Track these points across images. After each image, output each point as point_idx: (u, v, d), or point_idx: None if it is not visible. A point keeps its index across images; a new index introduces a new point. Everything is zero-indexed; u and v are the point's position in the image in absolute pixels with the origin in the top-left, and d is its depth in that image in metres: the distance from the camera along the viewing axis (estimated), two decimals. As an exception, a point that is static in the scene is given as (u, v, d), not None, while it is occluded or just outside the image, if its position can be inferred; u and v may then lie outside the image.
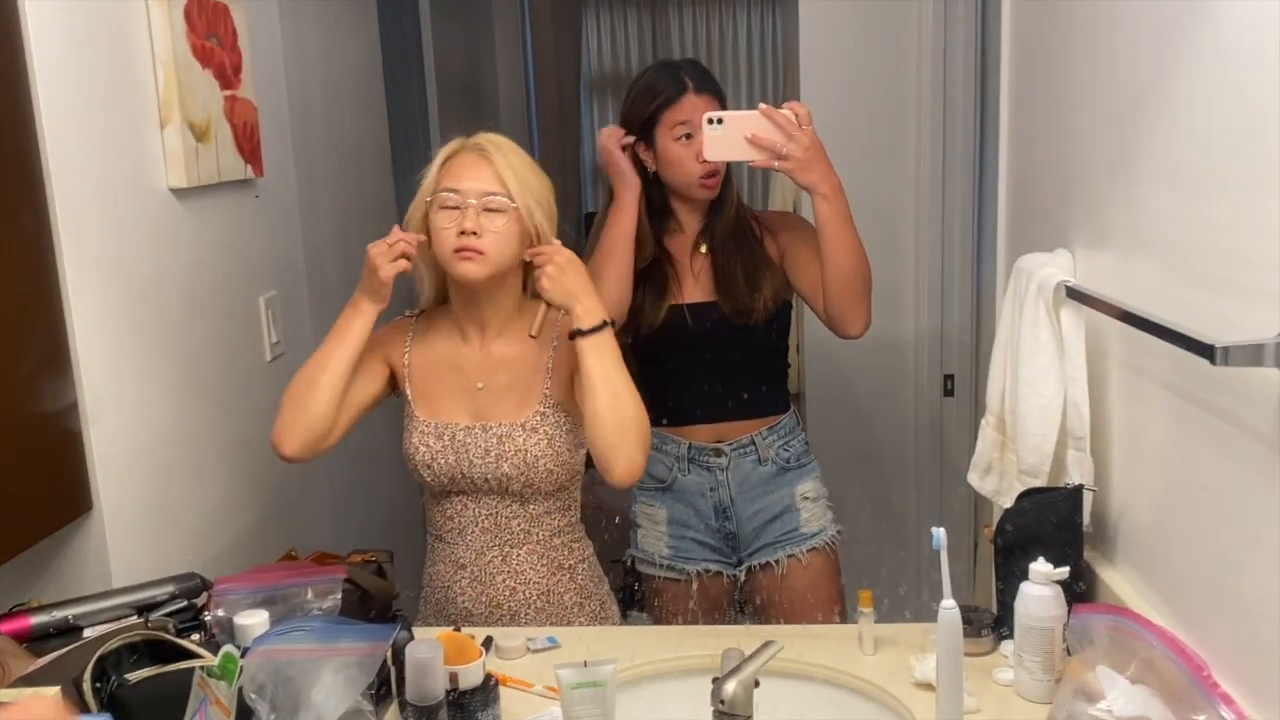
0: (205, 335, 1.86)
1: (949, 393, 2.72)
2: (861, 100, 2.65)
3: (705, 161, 1.88)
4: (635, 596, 2.38)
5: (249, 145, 1.98)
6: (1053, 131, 1.66)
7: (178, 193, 1.77)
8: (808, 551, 2.03)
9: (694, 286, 2.01)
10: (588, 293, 1.57)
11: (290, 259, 2.25)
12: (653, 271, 2.00)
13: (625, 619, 2.97)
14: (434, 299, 1.73)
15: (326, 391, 1.60)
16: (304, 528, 2.17)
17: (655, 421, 2.02)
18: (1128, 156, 1.37)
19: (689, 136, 1.92)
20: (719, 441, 2.02)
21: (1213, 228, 1.18)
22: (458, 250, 1.57)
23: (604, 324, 1.56)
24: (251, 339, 2.04)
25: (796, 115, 1.75)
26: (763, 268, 1.98)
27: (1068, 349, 1.46)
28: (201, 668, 1.13)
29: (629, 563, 2.14)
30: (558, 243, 1.60)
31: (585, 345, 1.55)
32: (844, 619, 2.03)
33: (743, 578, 2.06)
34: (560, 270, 1.56)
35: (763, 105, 1.76)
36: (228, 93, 1.90)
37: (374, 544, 1.76)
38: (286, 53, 2.26)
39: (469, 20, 4.34)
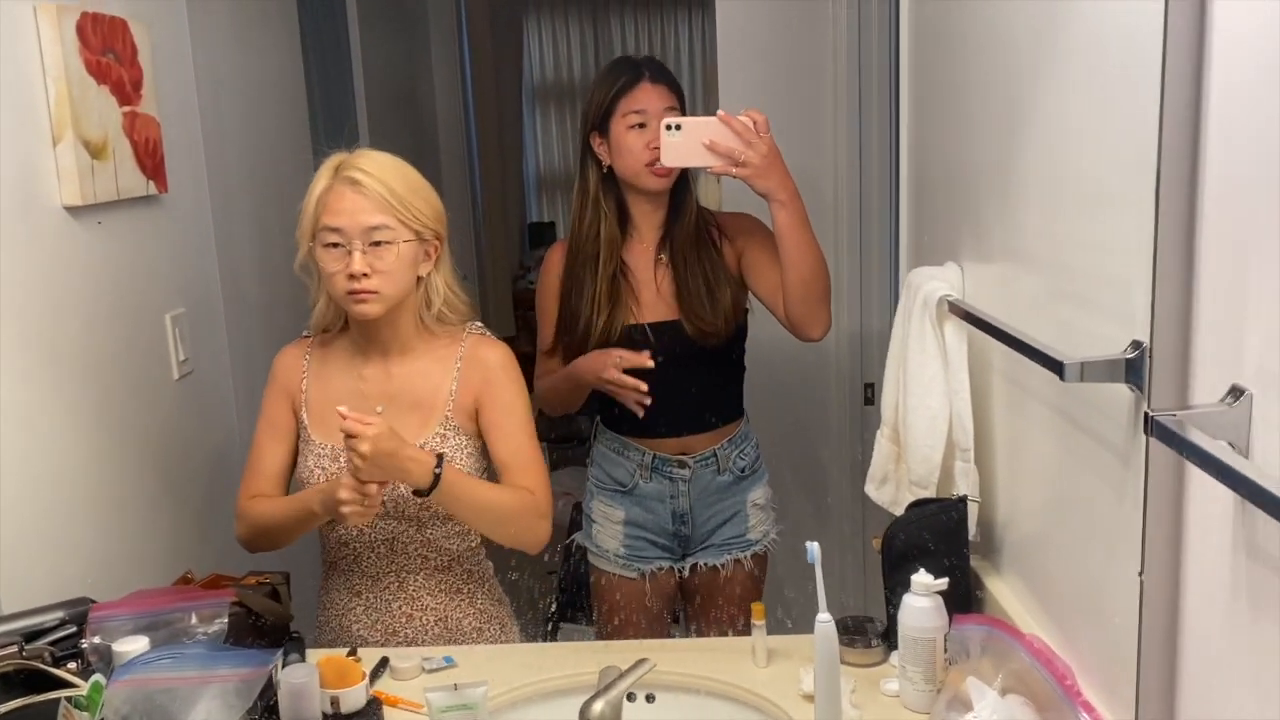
0: (106, 354, 1.83)
1: (870, 401, 2.74)
2: (779, 107, 2.64)
3: (655, 149, 1.88)
4: (563, 587, 2.39)
5: (151, 161, 1.96)
6: (944, 147, 1.69)
7: (73, 210, 1.74)
8: (751, 556, 2.08)
9: (655, 302, 2.01)
10: (403, 468, 1.48)
11: (202, 275, 2.23)
12: (612, 287, 1.99)
13: (558, 630, 2.98)
14: (334, 321, 1.71)
15: (290, 542, 1.66)
16: (208, 550, 2.15)
17: (618, 429, 2.06)
18: (1003, 174, 1.40)
19: (642, 126, 1.93)
20: (683, 454, 2.04)
21: (1074, 245, 1.20)
22: (350, 293, 1.55)
23: (435, 479, 1.50)
24: (158, 358, 2.01)
25: (755, 122, 1.77)
26: (724, 282, 1.99)
27: (951, 362, 1.48)
28: (68, 698, 1.11)
29: (575, 551, 2.17)
30: (360, 425, 1.44)
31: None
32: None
33: (687, 573, 2.10)
34: (372, 463, 1.45)
35: (721, 112, 1.77)
36: (127, 109, 1.88)
37: (279, 566, 1.75)
38: (198, 67, 2.23)
39: (402, 29, 4.31)
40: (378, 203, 1.53)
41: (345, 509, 1.47)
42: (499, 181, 5.45)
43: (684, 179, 2.01)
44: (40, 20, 1.67)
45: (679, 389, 2.00)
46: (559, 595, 3.09)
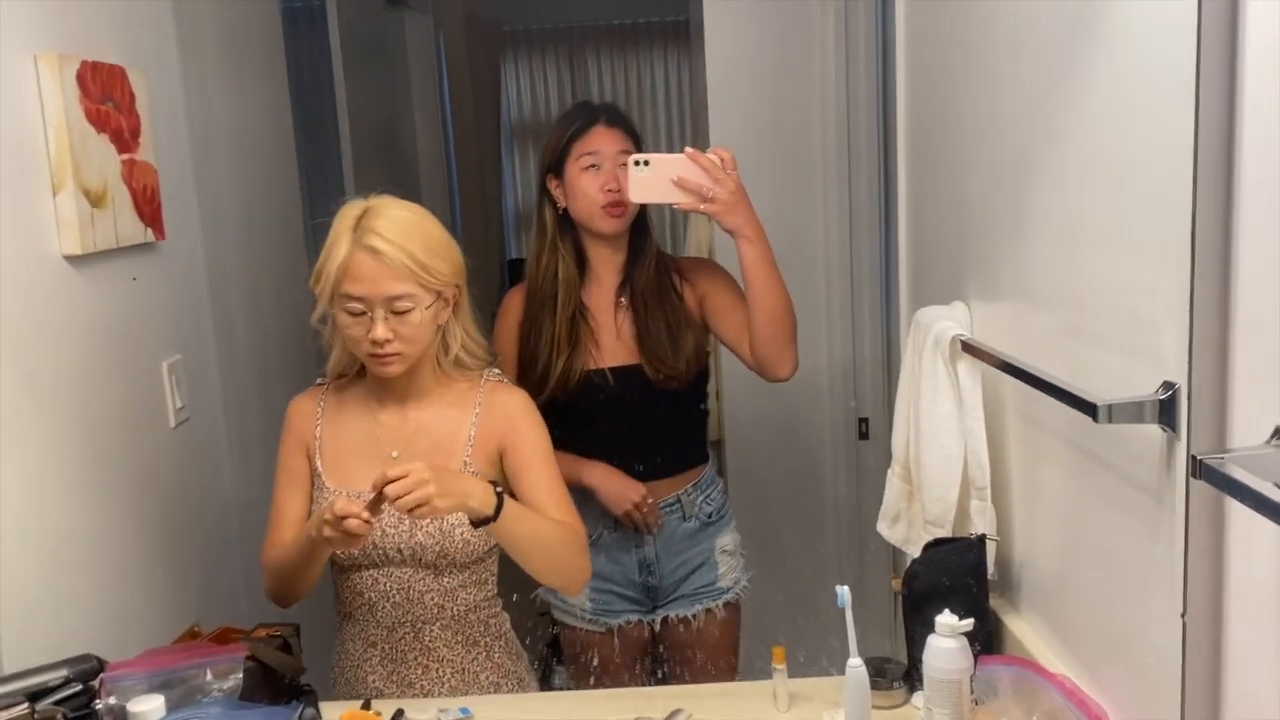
0: (104, 403, 1.80)
1: (864, 435, 2.75)
2: (770, 147, 2.69)
3: (610, 191, 1.90)
4: (549, 642, 2.36)
5: (149, 209, 1.94)
6: (948, 184, 1.70)
7: (72, 260, 1.72)
8: (723, 605, 2.05)
9: (615, 346, 1.99)
10: (468, 492, 1.46)
11: (196, 322, 2.20)
12: (571, 330, 1.98)
13: (550, 675, 2.95)
14: (349, 367, 1.69)
15: (307, 584, 1.62)
16: (212, 601, 2.11)
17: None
18: (1016, 213, 1.41)
19: (595, 167, 1.93)
20: None
21: (1093, 284, 1.21)
22: (372, 355, 1.55)
23: (500, 499, 1.49)
24: (154, 406, 1.99)
25: (722, 159, 1.76)
26: (685, 326, 1.98)
27: (965, 401, 1.49)
28: (89, 762, 1.08)
29: (540, 606, 2.13)
30: (408, 469, 1.40)
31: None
32: (738, 665, 2.06)
33: (659, 626, 2.07)
34: (442, 495, 1.40)
35: (689, 149, 1.77)
36: (125, 156, 1.86)
37: (285, 617, 1.72)
38: (191, 114, 2.23)
39: (384, 72, 4.32)
40: (400, 272, 1.50)
41: (333, 530, 1.41)
42: (480, 220, 5.46)
43: (643, 222, 2.01)
44: (40, 69, 1.65)
45: (640, 435, 1.99)
46: (545, 643, 3.06)
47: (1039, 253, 1.35)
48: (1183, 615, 0.99)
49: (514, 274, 6.41)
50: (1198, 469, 0.85)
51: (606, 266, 2.02)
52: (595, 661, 2.05)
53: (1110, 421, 1.07)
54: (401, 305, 1.51)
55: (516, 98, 6.50)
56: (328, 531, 1.43)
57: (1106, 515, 1.21)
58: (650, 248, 2.02)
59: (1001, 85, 1.45)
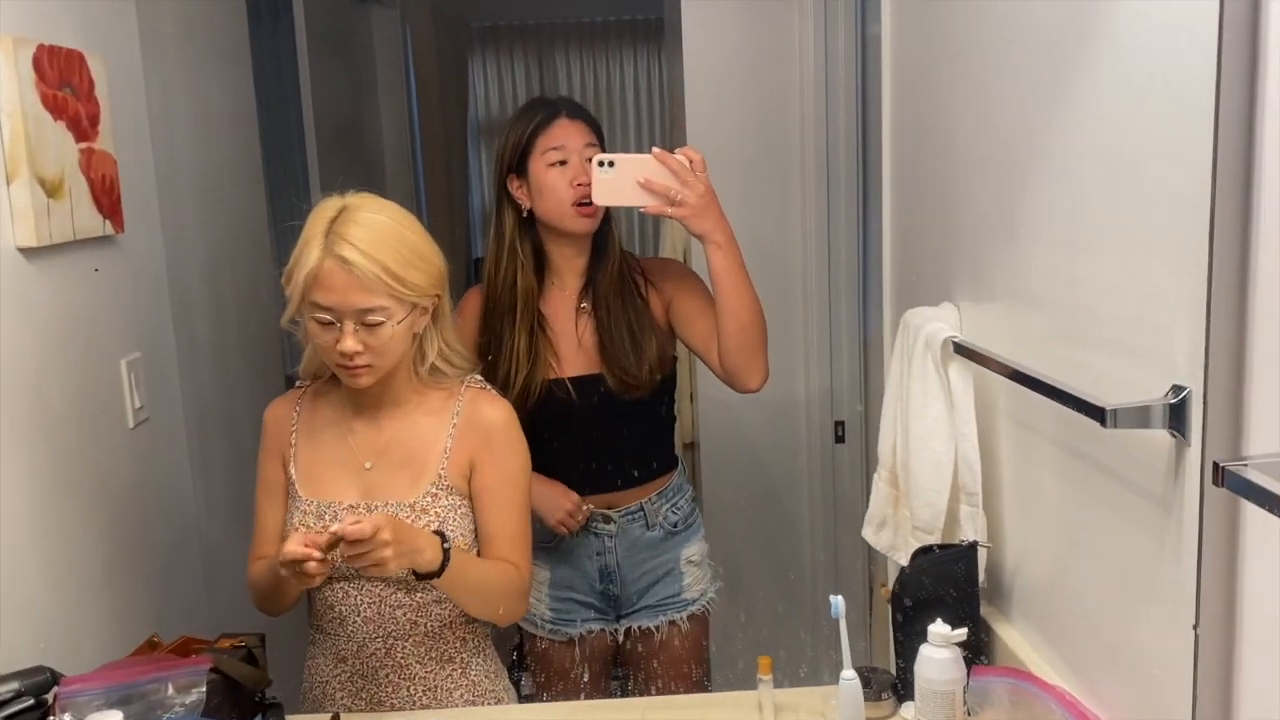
0: (59, 402, 1.72)
1: (840, 439, 2.72)
2: (747, 146, 2.65)
3: (580, 186, 1.82)
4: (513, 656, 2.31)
5: (108, 200, 1.86)
6: (936, 186, 1.67)
7: (26, 252, 1.64)
8: (688, 618, 1.99)
9: (575, 355, 1.92)
10: (420, 549, 1.42)
11: (156, 319, 2.12)
12: (530, 341, 1.89)
13: (515, 680, 2.89)
14: (323, 368, 1.62)
15: (287, 603, 1.58)
16: (172, 609, 2.03)
17: None
18: (1007, 214, 1.38)
19: (563, 163, 1.85)
20: (608, 508, 1.97)
21: (1089, 288, 1.18)
22: (342, 366, 1.48)
23: (446, 556, 1.45)
24: (112, 405, 1.91)
25: (690, 161, 1.69)
26: (649, 332, 1.90)
27: (957, 404, 1.45)
28: (42, 785, 1.02)
29: None
30: (373, 529, 1.34)
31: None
32: (709, 677, 2.00)
33: (622, 637, 2.01)
34: (396, 560, 1.37)
35: (656, 149, 1.70)
36: (84, 145, 1.78)
37: (250, 625, 1.65)
38: (151, 102, 2.14)
39: (350, 67, 4.24)
40: (371, 285, 1.42)
41: (289, 571, 1.36)
42: (446, 218, 5.38)
43: (607, 221, 1.92)
44: (-6, 52, 1.58)
45: (603, 444, 1.93)
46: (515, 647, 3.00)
47: (1035, 254, 1.32)
48: (1195, 627, 0.96)
49: (479, 272, 6.35)
50: (1219, 475, 0.81)
51: (569, 268, 1.93)
52: (556, 671, 2.00)
53: (1116, 426, 1.04)
54: (372, 319, 1.44)
55: (484, 95, 6.42)
56: (283, 572, 1.37)
57: (1106, 522, 1.18)
58: (613, 248, 1.94)
59: (994, 83, 1.42)
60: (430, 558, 1.42)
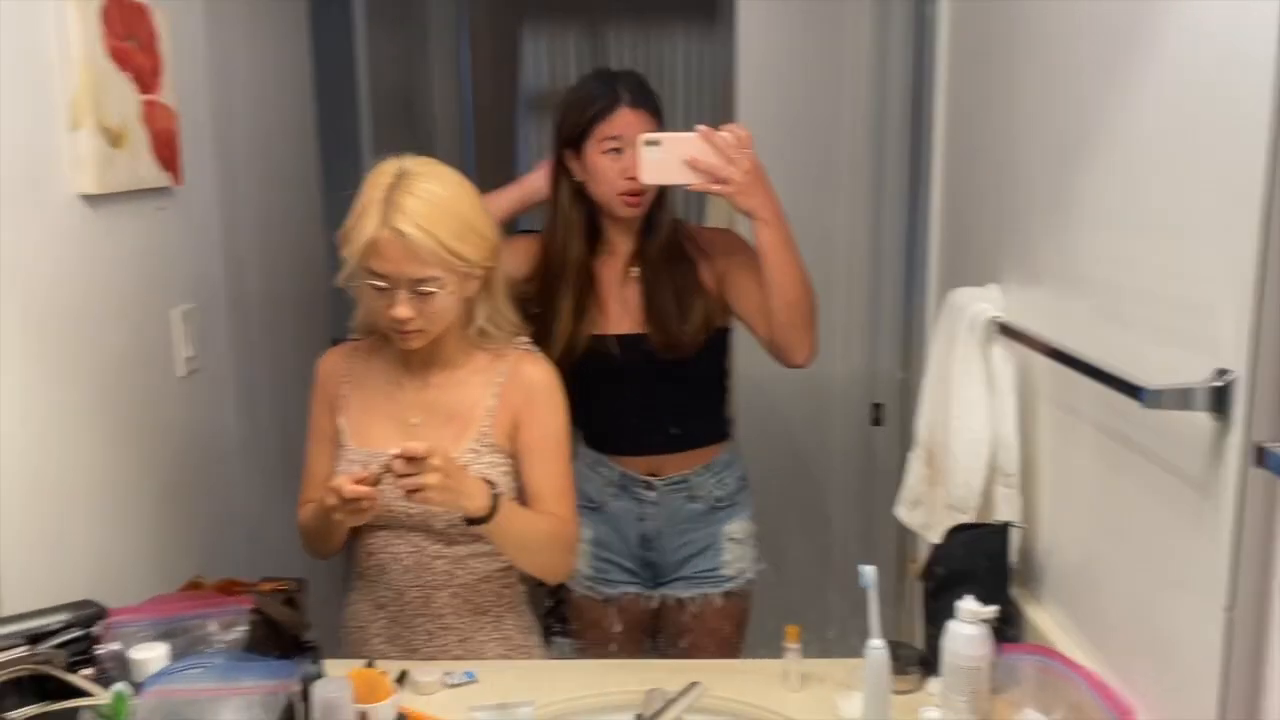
0: (113, 349, 1.77)
1: (877, 422, 2.71)
2: (797, 125, 2.65)
3: (630, 179, 1.82)
4: (551, 611, 2.34)
5: (167, 152, 1.90)
6: (986, 165, 1.67)
7: (88, 199, 1.68)
8: (723, 594, 2.00)
9: (621, 315, 1.94)
10: (468, 493, 1.44)
11: (209, 271, 2.17)
12: (580, 297, 1.92)
13: (549, 642, 2.93)
14: (376, 324, 1.65)
15: (334, 545, 1.62)
16: (216, 553, 2.09)
17: (593, 445, 2.02)
18: (1058, 194, 1.37)
19: (618, 151, 1.85)
20: (651, 475, 1.98)
21: (1139, 269, 1.18)
22: (395, 329, 1.51)
23: (495, 502, 1.47)
24: (164, 354, 1.95)
25: (737, 138, 1.68)
26: (694, 295, 1.91)
27: (998, 385, 1.45)
28: (90, 707, 1.06)
29: None
30: (430, 450, 1.39)
31: None
32: (739, 654, 2.03)
33: (657, 604, 2.03)
34: (440, 490, 1.40)
35: (701, 127, 1.69)
36: (146, 97, 1.82)
37: (293, 571, 1.69)
38: (211, 58, 2.18)
39: (405, 32, 4.28)
40: (426, 257, 1.45)
41: (341, 509, 1.41)
42: (494, 187, 5.40)
43: (661, 195, 1.92)
44: (65, 3, 1.61)
45: (645, 405, 1.95)
46: (548, 604, 3.04)
47: (1082, 234, 1.32)
48: (1229, 610, 0.96)
49: (524, 245, 6.36)
50: (1261, 457, 0.81)
51: (621, 238, 1.96)
52: (593, 630, 2.03)
53: (1157, 407, 1.04)
54: (425, 288, 1.47)
55: (535, 66, 6.43)
56: (336, 515, 1.42)
57: (1142, 505, 1.18)
58: (666, 220, 1.95)
59: (1052, 62, 1.41)
60: (480, 503, 1.44)
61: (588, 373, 1.91)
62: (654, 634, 2.09)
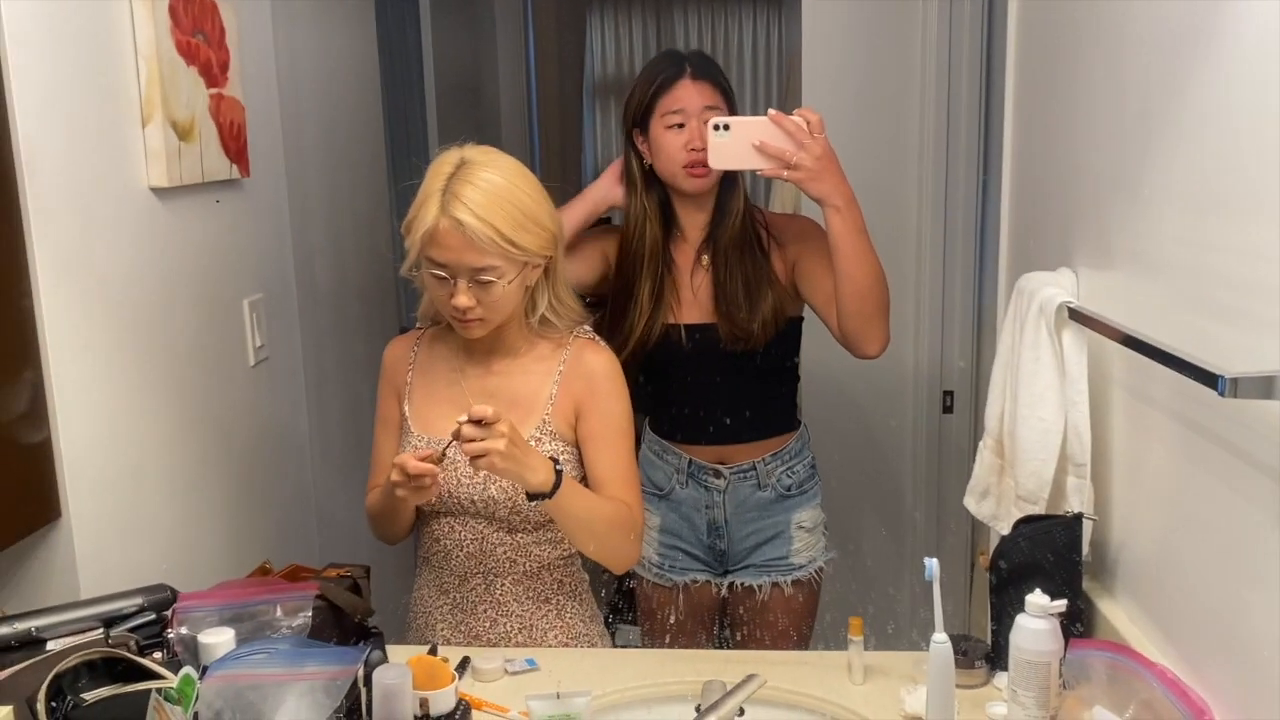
0: (185, 338, 1.81)
1: (948, 410, 2.67)
2: (864, 110, 2.60)
3: (695, 150, 1.82)
4: (617, 599, 2.33)
5: (235, 145, 1.94)
6: (1058, 147, 1.61)
7: (158, 192, 1.72)
8: (792, 582, 1.98)
9: (692, 304, 1.93)
10: (531, 466, 1.43)
11: (278, 262, 2.20)
12: (654, 289, 1.91)
13: (612, 630, 2.94)
14: (440, 314, 1.66)
15: (401, 529, 1.65)
16: (284, 539, 2.13)
17: (661, 432, 2.02)
18: (1135, 175, 1.32)
19: (680, 126, 1.85)
20: (720, 463, 1.97)
21: (1222, 253, 1.13)
22: (456, 318, 1.52)
23: (559, 478, 1.46)
24: (234, 343, 1.99)
25: (808, 122, 1.65)
26: (765, 286, 1.89)
27: (1069, 372, 1.41)
28: (158, 690, 1.08)
29: None
30: (489, 411, 1.39)
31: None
32: (808, 643, 2.01)
33: (725, 591, 2.02)
34: (505, 457, 1.38)
35: (772, 111, 1.66)
36: (214, 91, 1.85)
37: (362, 558, 1.72)
38: (279, 52, 2.21)
39: (471, 22, 4.30)
40: (485, 246, 1.45)
41: (404, 487, 1.41)
42: (560, 176, 5.43)
43: (731, 179, 1.91)
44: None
45: (715, 394, 1.93)
46: (615, 593, 3.05)
47: (1159, 217, 1.27)
48: (1309, 607, 0.92)
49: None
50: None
51: (692, 223, 1.95)
52: (660, 617, 2.02)
53: (1235, 395, 0.99)
54: (485, 277, 1.47)
55: (600, 53, 6.43)
56: (399, 492, 1.42)
57: (1220, 497, 1.13)
58: (737, 205, 1.93)
59: (1124, 40, 1.36)
60: (543, 478, 1.44)
61: (657, 361, 1.93)
62: (721, 622, 2.09)
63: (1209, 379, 1.02)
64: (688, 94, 1.85)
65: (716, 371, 1.92)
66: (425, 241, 1.47)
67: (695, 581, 2.01)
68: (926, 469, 2.69)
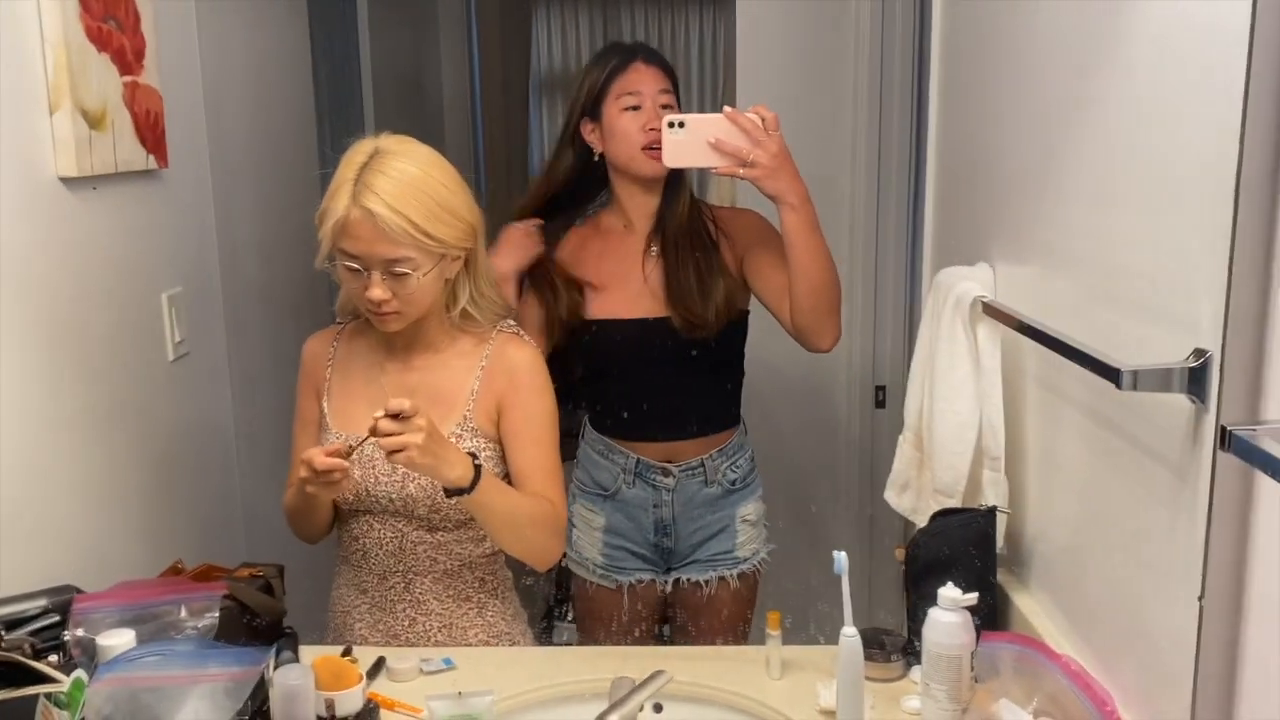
0: (98, 332, 1.76)
1: (880, 404, 2.68)
2: (797, 105, 2.59)
3: (652, 130, 1.80)
4: (559, 599, 2.31)
5: (152, 135, 1.89)
6: (977, 141, 1.63)
7: (68, 182, 1.67)
8: (737, 575, 1.98)
9: (643, 296, 1.90)
10: (449, 460, 1.39)
11: (201, 254, 2.15)
12: (601, 277, 1.90)
13: (550, 629, 2.92)
14: (357, 309, 1.63)
15: (318, 527, 1.62)
16: (208, 538, 2.08)
17: (603, 430, 1.98)
18: (1046, 169, 1.33)
19: (636, 108, 1.84)
20: (668, 461, 1.94)
21: (1125, 246, 1.14)
22: (371, 311, 1.49)
23: (478, 473, 1.42)
24: (152, 337, 1.94)
25: (764, 120, 1.64)
26: (717, 275, 1.87)
27: (983, 366, 1.42)
28: (47, 695, 1.05)
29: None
30: (406, 404, 1.35)
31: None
32: (747, 641, 2.00)
33: (670, 589, 2.01)
34: (422, 451, 1.34)
35: (727, 109, 1.65)
36: (128, 79, 1.80)
37: (289, 558, 1.68)
38: (203, 40, 2.17)
39: (412, 16, 4.25)
40: (397, 237, 1.41)
41: (313, 482, 1.38)
42: (504, 172, 5.38)
43: (677, 172, 1.89)
44: (40, -17, 1.59)
45: (665, 390, 1.91)
46: (555, 592, 3.03)
47: (1069, 212, 1.28)
48: (1200, 599, 0.93)
49: (537, 228, 6.34)
50: (1226, 440, 0.78)
51: (640, 212, 1.93)
52: (603, 618, 2.00)
53: (1135, 389, 1.01)
54: (399, 269, 1.44)
55: (546, 50, 6.39)
56: (309, 488, 1.40)
57: (1126, 491, 1.14)
58: (684, 193, 1.92)
59: (1034, 37, 1.37)
60: (461, 473, 1.40)
61: (601, 356, 1.89)
62: (665, 620, 2.07)
63: (1110, 373, 1.03)
64: (642, 77, 1.86)
65: (667, 366, 1.90)
66: (337, 232, 1.44)
67: (640, 581, 1.99)
68: (859, 463, 2.71)
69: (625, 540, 1.98)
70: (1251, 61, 0.85)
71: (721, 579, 1.97)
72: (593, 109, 1.89)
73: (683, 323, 1.86)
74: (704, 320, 1.86)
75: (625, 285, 1.91)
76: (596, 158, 1.90)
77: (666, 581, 2.01)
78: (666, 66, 1.91)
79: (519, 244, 1.93)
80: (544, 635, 3.03)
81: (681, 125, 1.66)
